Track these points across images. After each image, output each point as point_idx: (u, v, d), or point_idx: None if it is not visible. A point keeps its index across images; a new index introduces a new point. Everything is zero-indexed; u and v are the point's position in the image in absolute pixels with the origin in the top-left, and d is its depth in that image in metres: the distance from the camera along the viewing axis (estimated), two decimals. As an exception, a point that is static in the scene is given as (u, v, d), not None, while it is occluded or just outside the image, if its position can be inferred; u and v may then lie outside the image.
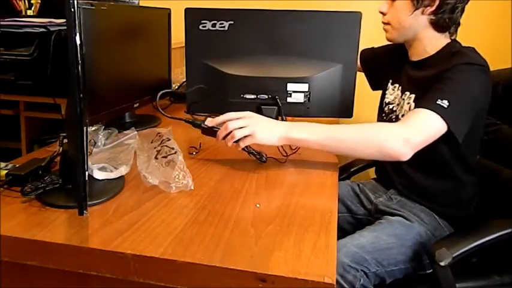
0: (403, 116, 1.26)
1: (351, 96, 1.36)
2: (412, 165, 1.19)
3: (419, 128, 1.05)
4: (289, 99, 1.36)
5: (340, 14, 1.30)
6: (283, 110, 1.35)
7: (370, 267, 1.06)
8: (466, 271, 1.10)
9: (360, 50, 1.35)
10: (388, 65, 1.42)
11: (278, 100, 1.35)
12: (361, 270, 1.04)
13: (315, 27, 1.31)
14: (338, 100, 1.36)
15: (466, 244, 1.01)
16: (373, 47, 1.52)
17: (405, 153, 1.03)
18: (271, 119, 1.09)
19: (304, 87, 1.35)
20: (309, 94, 1.35)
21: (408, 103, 1.25)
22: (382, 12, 1.27)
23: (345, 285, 1.01)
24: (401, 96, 1.30)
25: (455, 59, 1.14)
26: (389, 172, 1.34)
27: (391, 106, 1.35)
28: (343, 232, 1.35)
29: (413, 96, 1.24)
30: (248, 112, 1.07)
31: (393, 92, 1.36)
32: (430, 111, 1.05)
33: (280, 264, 0.68)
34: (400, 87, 1.33)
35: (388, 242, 1.11)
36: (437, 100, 1.06)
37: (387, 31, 1.28)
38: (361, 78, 1.41)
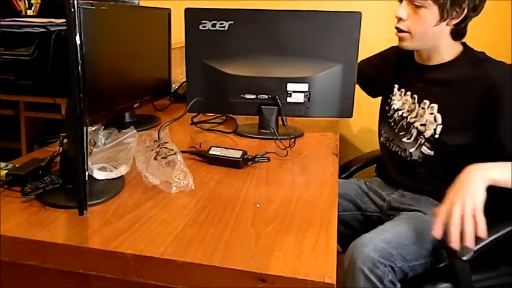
0: (422, 125, 1.24)
1: (351, 96, 1.36)
2: (434, 171, 1.21)
3: None
4: (289, 99, 1.36)
5: (340, 14, 1.31)
6: (283, 110, 1.35)
7: (397, 263, 1.06)
8: (476, 263, 1.10)
9: (359, 50, 1.34)
10: (390, 70, 1.40)
11: (278, 100, 1.35)
12: (389, 265, 1.04)
13: (315, 27, 1.31)
14: (338, 100, 1.37)
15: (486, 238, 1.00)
16: (363, 59, 1.48)
17: None
18: (468, 180, 1.01)
19: (304, 87, 1.35)
20: (309, 94, 1.35)
21: (431, 113, 1.22)
22: (400, 18, 1.20)
23: (374, 279, 1.01)
24: (417, 105, 1.27)
25: (493, 73, 1.12)
26: (394, 175, 1.34)
27: (400, 112, 1.33)
28: (352, 230, 1.35)
29: (435, 106, 1.21)
30: (447, 200, 1.01)
31: (401, 98, 1.34)
32: None
33: (280, 264, 0.68)
34: (411, 94, 1.30)
35: (410, 238, 1.11)
36: None
37: (404, 39, 1.22)
38: (361, 78, 1.41)
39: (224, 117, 1.51)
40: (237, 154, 1.08)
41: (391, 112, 1.37)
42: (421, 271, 1.12)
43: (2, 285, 0.77)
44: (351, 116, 1.39)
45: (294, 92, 1.35)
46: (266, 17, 1.32)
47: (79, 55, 0.71)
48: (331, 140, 1.37)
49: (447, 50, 1.21)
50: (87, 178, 0.77)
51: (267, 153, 1.14)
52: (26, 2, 1.93)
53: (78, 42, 0.70)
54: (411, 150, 1.26)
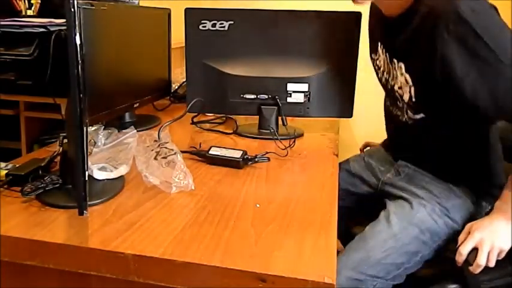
0: (399, 88, 1.13)
1: (351, 96, 1.36)
2: (430, 136, 1.14)
3: None
4: (289, 99, 1.36)
5: (340, 14, 1.31)
6: (283, 110, 1.35)
7: (367, 285, 1.04)
8: None
9: (359, 50, 1.34)
10: (373, 26, 1.30)
11: (278, 100, 1.35)
12: None
13: (315, 27, 1.31)
14: (338, 100, 1.37)
15: None
16: None
17: None
18: (492, 220, 1.01)
19: (304, 87, 1.35)
20: (309, 94, 1.35)
21: (402, 74, 1.09)
22: None
23: None
24: (390, 65, 1.16)
25: (447, 11, 0.93)
26: (394, 141, 1.29)
27: (385, 74, 1.21)
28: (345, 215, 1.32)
29: (402, 65, 1.09)
30: (468, 226, 1.03)
31: (382, 56, 1.21)
32: None
33: (280, 264, 0.68)
34: (385, 51, 1.19)
35: (385, 249, 1.07)
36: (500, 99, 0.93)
37: None
38: (361, 79, 1.41)
39: (224, 118, 1.51)
40: (237, 154, 1.08)
41: (379, 75, 1.25)
42: (412, 272, 1.10)
43: (2, 285, 0.77)
44: (351, 116, 1.39)
45: (294, 92, 1.35)
46: (266, 17, 1.32)
47: (79, 55, 0.71)
48: (331, 140, 1.37)
49: None
50: (87, 178, 0.77)
51: (267, 153, 1.14)
52: (26, 2, 1.93)
53: (78, 42, 0.70)
54: (405, 114, 1.17)
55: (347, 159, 1.47)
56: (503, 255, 0.99)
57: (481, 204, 1.17)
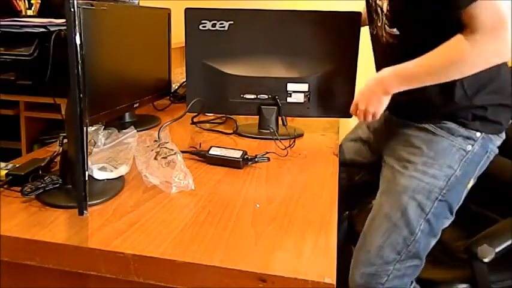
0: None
1: (351, 96, 1.36)
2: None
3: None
4: (289, 99, 1.36)
5: (340, 14, 1.31)
6: (283, 110, 1.35)
7: (382, 278, 1.03)
8: (492, 264, 1.06)
9: (359, 50, 1.34)
10: None
11: (278, 100, 1.35)
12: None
13: (315, 27, 1.31)
14: (338, 100, 1.37)
15: (507, 238, 1.00)
16: None
17: None
18: (370, 83, 1.12)
19: (304, 87, 1.35)
20: (309, 94, 1.35)
21: None
22: None
23: None
24: None
25: None
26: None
27: None
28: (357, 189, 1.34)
29: None
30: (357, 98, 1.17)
31: None
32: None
33: (280, 264, 0.68)
34: None
35: (383, 233, 1.05)
36: None
37: None
38: (361, 79, 1.41)
39: (224, 118, 1.51)
40: (237, 154, 1.08)
41: (371, 3, 1.18)
42: (422, 248, 1.06)
43: (2, 285, 0.77)
44: (351, 116, 1.38)
45: (294, 92, 1.35)
46: (266, 17, 1.32)
47: (79, 55, 0.71)
48: (331, 140, 1.37)
49: None
50: (87, 178, 0.77)
51: (267, 153, 1.14)
52: (26, 2, 1.93)
53: (78, 42, 0.70)
54: (383, 33, 1.12)
55: (354, 128, 1.46)
56: (376, 116, 1.14)
57: (475, 136, 1.08)
